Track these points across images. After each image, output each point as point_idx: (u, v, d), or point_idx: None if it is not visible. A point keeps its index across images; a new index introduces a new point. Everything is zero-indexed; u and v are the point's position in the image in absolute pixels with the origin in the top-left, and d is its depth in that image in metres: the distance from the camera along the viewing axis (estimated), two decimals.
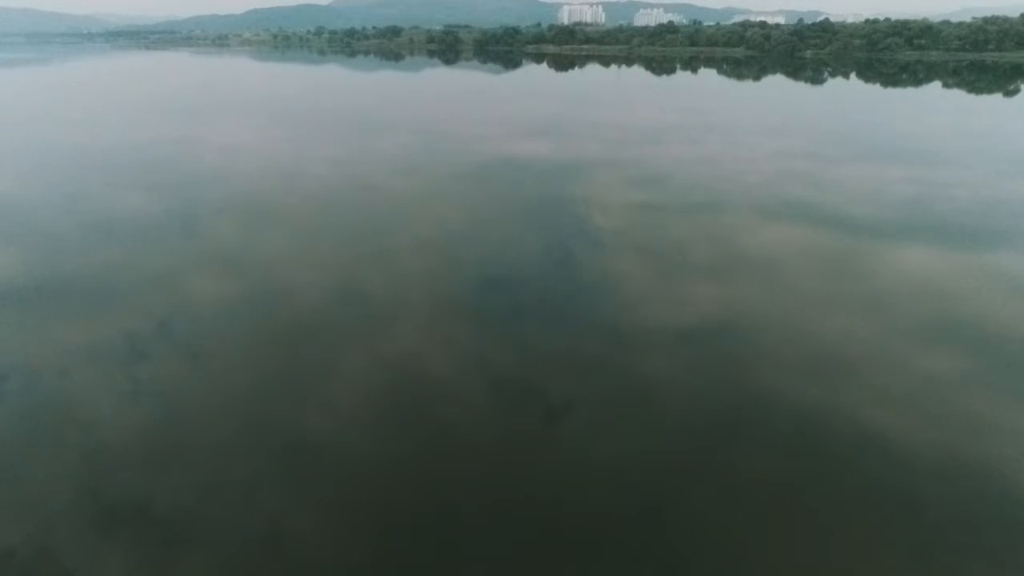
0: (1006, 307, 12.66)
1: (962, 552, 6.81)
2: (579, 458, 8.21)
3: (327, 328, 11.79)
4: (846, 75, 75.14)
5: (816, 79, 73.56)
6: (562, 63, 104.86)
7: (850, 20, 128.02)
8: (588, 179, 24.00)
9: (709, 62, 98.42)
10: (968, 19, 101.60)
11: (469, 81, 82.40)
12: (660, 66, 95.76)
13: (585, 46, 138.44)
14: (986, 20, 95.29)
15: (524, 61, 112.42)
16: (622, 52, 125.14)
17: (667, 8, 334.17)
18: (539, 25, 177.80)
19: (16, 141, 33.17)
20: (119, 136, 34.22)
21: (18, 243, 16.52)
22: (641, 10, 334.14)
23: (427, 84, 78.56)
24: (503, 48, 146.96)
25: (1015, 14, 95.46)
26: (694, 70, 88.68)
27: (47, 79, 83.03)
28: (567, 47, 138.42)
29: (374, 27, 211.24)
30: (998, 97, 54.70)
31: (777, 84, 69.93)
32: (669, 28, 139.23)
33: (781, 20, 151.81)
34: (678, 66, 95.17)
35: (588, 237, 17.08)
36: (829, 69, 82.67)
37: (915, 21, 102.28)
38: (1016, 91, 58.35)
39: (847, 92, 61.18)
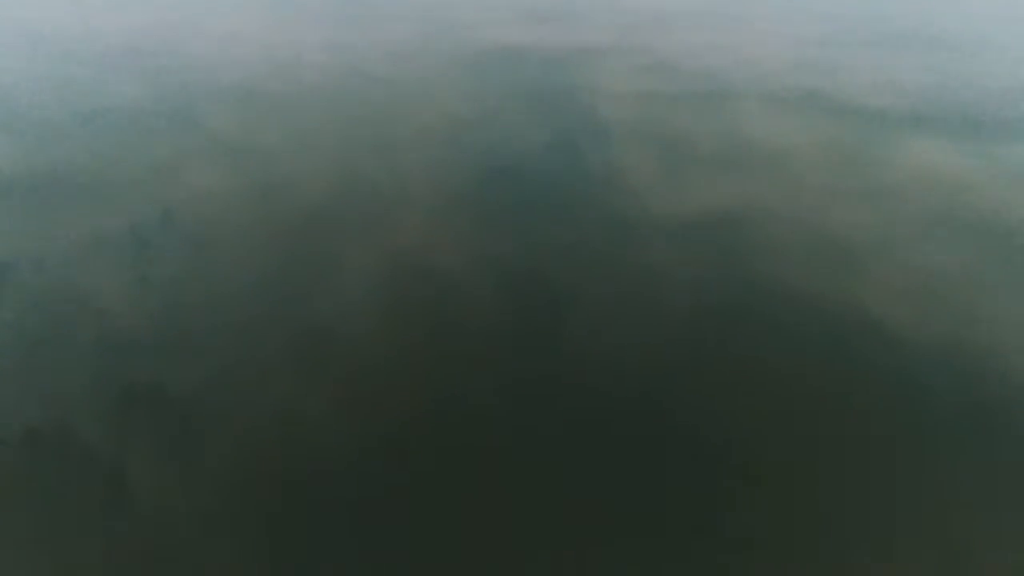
0: (1015, 200, 12.49)
1: (958, 428, 7.05)
2: (583, 346, 8.36)
3: (331, 219, 11.72)
4: None
5: None
6: None
7: None
8: (595, 67, 23.10)
9: None
10: None
11: None
12: None
13: None
14: None
15: None
16: None
17: None
18: None
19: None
20: (107, 21, 32.72)
21: (10, 133, 16.17)
22: None
23: None
24: None
25: None
26: None
27: None
28: None
29: None
30: None
31: None
32: None
33: None
34: None
35: (594, 127, 16.65)
36: None
37: None
38: None
39: None
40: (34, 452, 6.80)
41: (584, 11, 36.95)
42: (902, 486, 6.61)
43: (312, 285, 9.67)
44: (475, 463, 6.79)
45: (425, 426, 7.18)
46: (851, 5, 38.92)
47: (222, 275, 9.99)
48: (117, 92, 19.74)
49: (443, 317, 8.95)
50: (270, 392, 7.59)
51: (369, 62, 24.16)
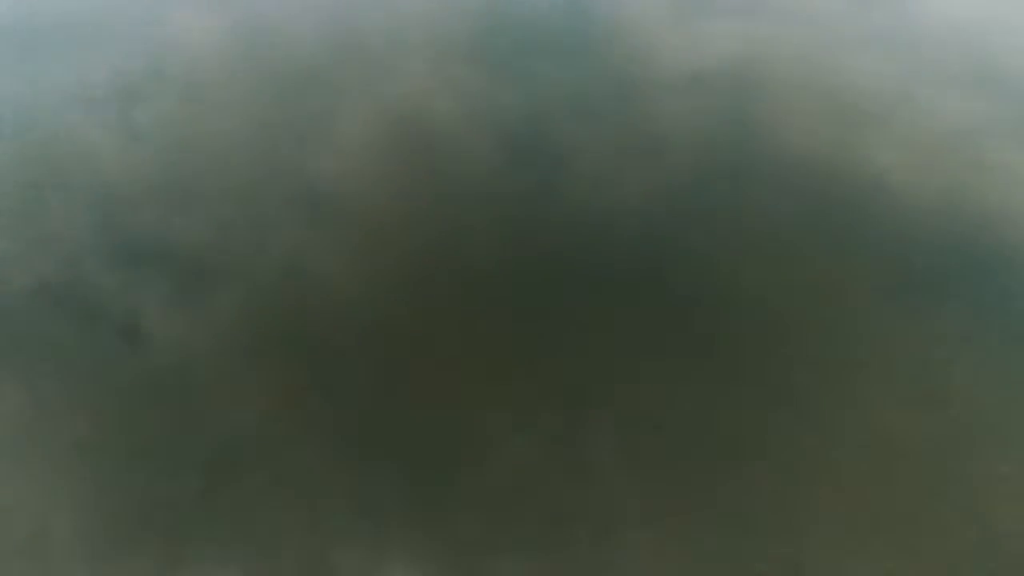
0: None
1: (953, 281, 7.17)
2: (584, 200, 8.32)
3: (324, 70, 11.27)
4: None
5: None
6: None
7: None
8: None
9: None
10: None
11: None
12: None
13: None
14: None
15: None
16: None
17: None
18: None
19: None
20: None
21: None
22: None
23: None
24: None
25: None
26: None
27: None
28: None
29: None
30: None
31: None
32: None
33: None
34: None
35: None
36: None
37: None
38: None
39: None
40: (46, 302, 6.97)
41: None
42: (900, 336, 6.81)
43: (309, 136, 9.48)
44: (475, 312, 6.97)
45: (426, 277, 7.30)
46: None
47: (216, 127, 9.77)
48: None
49: (443, 169, 8.84)
50: (273, 242, 7.65)
51: None
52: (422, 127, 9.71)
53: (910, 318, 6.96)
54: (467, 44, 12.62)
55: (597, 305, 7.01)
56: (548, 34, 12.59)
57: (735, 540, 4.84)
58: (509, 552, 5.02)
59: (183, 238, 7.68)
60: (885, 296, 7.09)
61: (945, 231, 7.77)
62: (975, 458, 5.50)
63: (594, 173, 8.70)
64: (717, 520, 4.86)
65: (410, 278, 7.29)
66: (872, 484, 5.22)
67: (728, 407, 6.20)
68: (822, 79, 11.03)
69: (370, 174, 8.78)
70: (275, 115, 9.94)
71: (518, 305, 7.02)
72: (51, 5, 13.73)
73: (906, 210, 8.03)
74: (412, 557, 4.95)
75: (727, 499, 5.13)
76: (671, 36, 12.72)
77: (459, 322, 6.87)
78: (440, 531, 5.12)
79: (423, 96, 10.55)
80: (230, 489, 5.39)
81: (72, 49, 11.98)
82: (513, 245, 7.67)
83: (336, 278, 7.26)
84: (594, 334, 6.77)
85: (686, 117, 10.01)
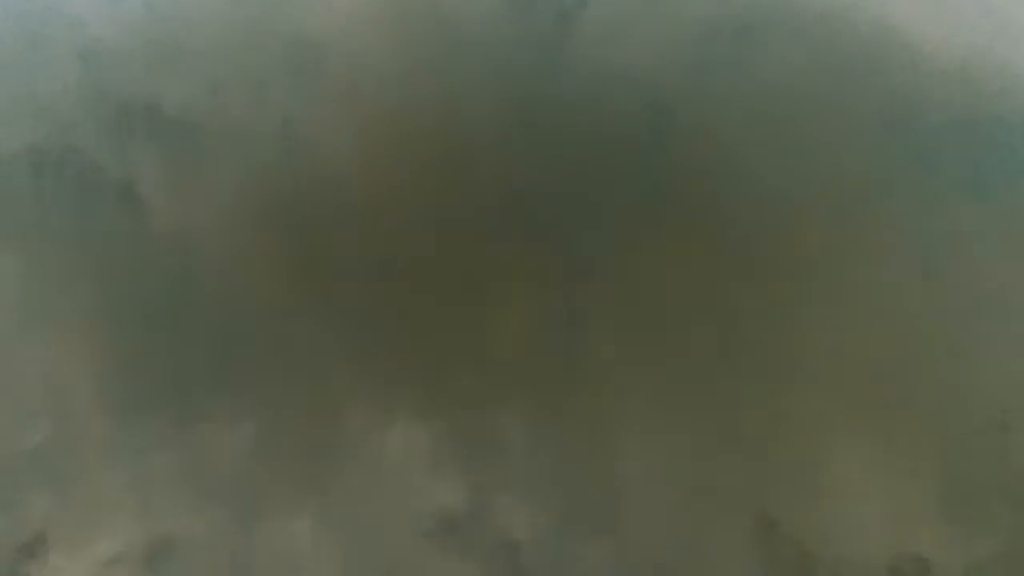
0: None
1: (961, 149, 6.93)
2: (591, 59, 7.94)
3: None
4: None
5: None
6: None
7: None
8: None
9: None
10: None
11: None
12: None
13: None
14: None
15: None
16: None
17: None
18: None
19: None
20: None
21: None
22: None
23: None
24: None
25: None
26: None
27: None
28: None
29: None
30: None
31: None
32: None
33: None
34: None
35: None
36: None
37: None
38: None
39: None
40: (40, 167, 6.84)
41: None
42: (902, 205, 6.66)
43: None
44: (475, 179, 6.85)
45: (426, 140, 7.12)
46: None
47: None
48: None
49: (442, 27, 8.42)
50: (267, 106, 7.39)
51: None
52: None
53: (913, 186, 6.77)
54: None
55: (598, 173, 6.88)
56: None
57: (730, 393, 5.01)
58: (510, 410, 5.18)
59: (174, 101, 7.41)
60: (889, 163, 6.91)
61: (960, 96, 7.45)
62: (974, 321, 5.55)
63: (600, 35, 8.25)
64: (715, 378, 4.99)
65: (409, 139, 7.11)
66: (872, 344, 5.31)
67: (729, 278, 6.13)
68: None
69: (366, 33, 8.36)
70: None
71: (518, 171, 6.88)
72: None
73: (921, 72, 7.67)
74: (415, 415, 5.10)
75: (726, 360, 5.23)
76: None
77: (459, 188, 6.73)
78: (442, 392, 5.27)
79: None
80: (236, 354, 5.50)
81: None
82: (514, 107, 7.41)
83: (335, 139, 7.08)
84: (594, 203, 6.67)
85: None
